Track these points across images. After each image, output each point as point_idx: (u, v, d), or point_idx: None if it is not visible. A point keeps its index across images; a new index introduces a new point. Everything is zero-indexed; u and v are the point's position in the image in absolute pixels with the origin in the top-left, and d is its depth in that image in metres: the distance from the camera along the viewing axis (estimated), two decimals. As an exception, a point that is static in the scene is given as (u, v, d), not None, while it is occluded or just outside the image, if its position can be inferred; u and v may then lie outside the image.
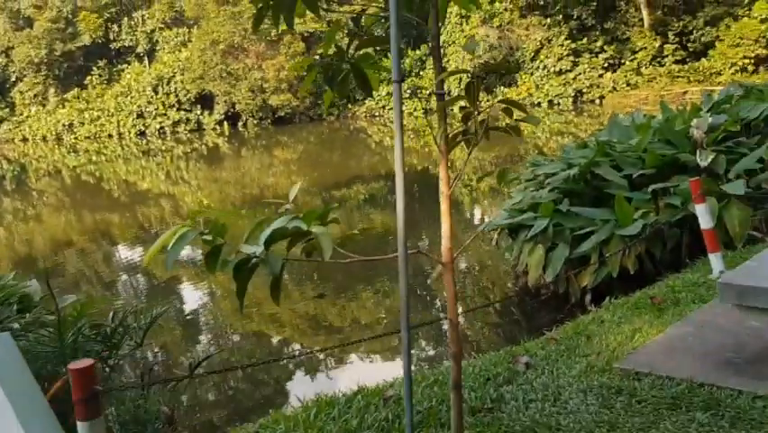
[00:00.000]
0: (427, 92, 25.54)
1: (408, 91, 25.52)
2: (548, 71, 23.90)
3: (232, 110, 26.76)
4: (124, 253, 8.85)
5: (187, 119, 27.56)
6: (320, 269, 6.81)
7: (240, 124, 27.04)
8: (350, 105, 26.80)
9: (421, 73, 26.15)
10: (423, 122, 22.90)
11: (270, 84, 25.28)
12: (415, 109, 25.34)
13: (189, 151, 21.30)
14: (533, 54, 24.20)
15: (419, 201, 10.37)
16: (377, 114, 26.13)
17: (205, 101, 27.35)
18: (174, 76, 27.47)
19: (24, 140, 29.91)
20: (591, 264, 4.65)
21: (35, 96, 29.37)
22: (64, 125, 28.66)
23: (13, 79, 29.75)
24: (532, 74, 24.22)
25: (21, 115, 30.17)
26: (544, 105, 23.43)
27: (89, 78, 29.16)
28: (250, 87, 25.55)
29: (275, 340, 5.31)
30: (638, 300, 3.74)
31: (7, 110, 30.32)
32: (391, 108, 25.68)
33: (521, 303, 5.34)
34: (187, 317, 6.07)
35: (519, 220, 5.19)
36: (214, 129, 27.02)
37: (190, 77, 26.49)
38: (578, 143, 6.31)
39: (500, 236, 5.84)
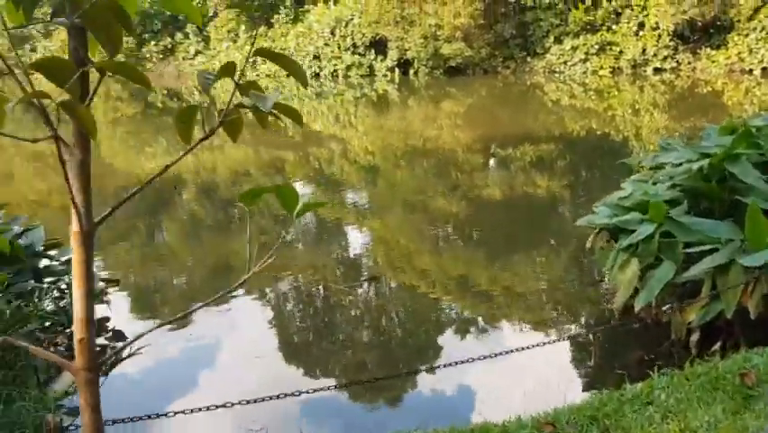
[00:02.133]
0: (618, 49, 23.98)
1: (596, 46, 24.16)
2: (767, 34, 21.15)
3: (404, 57, 27.38)
4: (298, 189, 9.83)
5: (360, 63, 28.75)
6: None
7: (411, 71, 27.65)
8: (528, 59, 26.07)
9: (614, 27, 24.52)
10: (608, 82, 21.66)
11: (444, 31, 25.33)
12: (601, 67, 23.98)
13: (359, 96, 22.36)
14: (751, 13, 21.49)
15: (596, 169, 10.11)
16: (557, 69, 25.13)
17: (379, 46, 28.26)
18: (352, 18, 28.65)
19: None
20: (702, 296, 3.69)
21: (228, 32, 32.48)
22: (248, 61, 31.44)
23: (211, 14, 33.12)
24: (746, 35, 21.60)
25: (214, 49, 33.65)
26: (757, 72, 20.89)
27: (276, 16, 31.49)
28: (423, 34, 25.86)
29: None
30: (722, 373, 2.76)
31: (202, 44, 33.99)
32: (574, 64, 24.55)
33: (607, 329, 4.41)
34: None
35: (620, 221, 4.25)
36: (385, 75, 27.94)
37: (367, 20, 27.47)
38: (724, 125, 5.20)
39: (597, 239, 4.79)
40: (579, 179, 9.43)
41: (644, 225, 4.08)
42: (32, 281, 4.30)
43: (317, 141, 14.19)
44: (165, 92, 26.91)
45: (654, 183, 4.63)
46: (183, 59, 34.61)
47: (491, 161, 11.17)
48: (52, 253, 4.90)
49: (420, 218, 7.85)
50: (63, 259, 4.87)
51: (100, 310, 4.81)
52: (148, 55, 34.72)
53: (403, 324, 5.11)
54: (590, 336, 4.37)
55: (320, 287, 5.87)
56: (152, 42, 35.10)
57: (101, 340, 4.72)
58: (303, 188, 9.83)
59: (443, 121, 15.95)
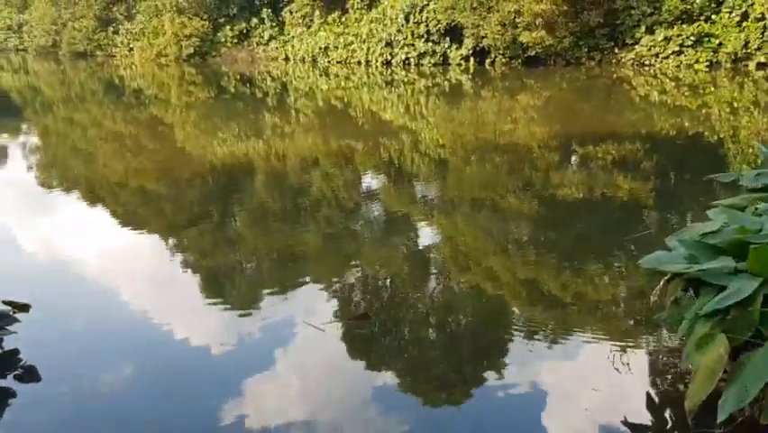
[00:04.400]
0: (717, 42, 22.97)
1: (692, 38, 23.23)
2: None
3: (479, 45, 27.18)
4: (366, 181, 10.08)
5: (434, 51, 28.77)
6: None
7: (487, 61, 27.43)
8: (616, 50, 25.35)
9: (713, 17, 23.49)
10: (704, 77, 20.81)
11: (524, 18, 24.94)
12: (696, 61, 23.06)
13: (431, 85, 22.42)
14: None
15: (686, 173, 9.84)
16: (647, 62, 24.32)
17: (454, 34, 28.19)
18: (427, 4, 28.69)
19: (287, 59, 34.21)
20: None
21: (303, 17, 33.23)
22: (320, 48, 32.10)
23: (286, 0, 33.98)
24: None
25: (287, 34, 34.51)
26: None
27: (351, 2, 31.95)
28: (501, 21, 25.55)
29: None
30: None
31: (276, 29, 34.92)
32: (666, 57, 23.69)
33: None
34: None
35: (702, 271, 3.10)
36: (459, 65, 27.86)
37: (442, 5, 27.44)
38: None
39: (667, 289, 3.66)
40: (665, 185, 9.22)
41: (739, 279, 2.97)
42: None
43: (387, 131, 14.41)
44: (238, 77, 27.82)
45: (758, 214, 3.52)
46: (257, 44, 35.66)
47: (568, 160, 11.05)
48: None
49: (489, 216, 7.92)
50: None
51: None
52: (223, 39, 35.96)
53: (467, 323, 5.23)
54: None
55: (387, 280, 6.07)
56: (227, 27, 36.31)
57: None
58: (371, 180, 10.07)
59: (518, 114, 15.84)
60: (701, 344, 2.97)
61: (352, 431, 3.73)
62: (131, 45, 39.80)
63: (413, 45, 29.24)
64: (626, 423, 3.64)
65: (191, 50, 35.28)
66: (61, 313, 5.48)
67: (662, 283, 3.70)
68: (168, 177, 10.70)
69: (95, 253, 7.04)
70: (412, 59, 29.19)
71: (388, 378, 4.30)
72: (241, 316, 5.34)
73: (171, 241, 7.41)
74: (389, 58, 29.86)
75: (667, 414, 3.75)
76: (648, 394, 3.92)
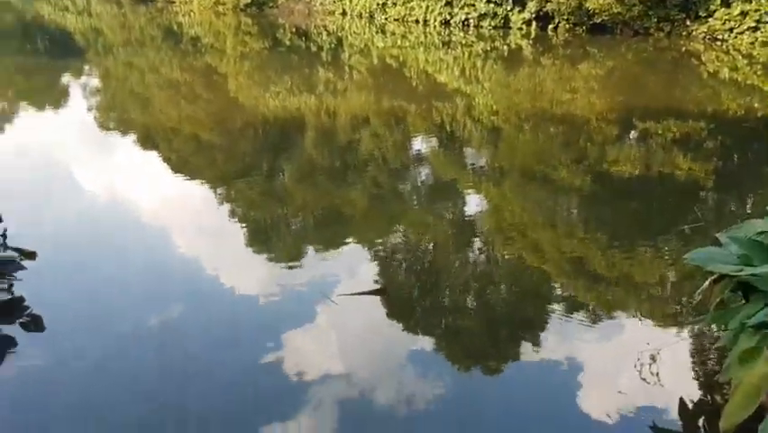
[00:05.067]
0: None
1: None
2: None
3: (543, 9, 26.32)
4: (416, 144, 10.03)
5: (495, 13, 28.00)
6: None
7: (550, 27, 26.57)
8: (687, 22, 24.21)
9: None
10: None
11: (593, -18, 23.94)
12: (774, 37, 21.84)
13: (489, 49, 21.93)
14: None
15: (751, 157, 9.46)
16: (720, 36, 23.17)
17: (518, -5, 27.33)
18: (494, -39, 27.82)
19: (343, 14, 33.90)
20: None
21: (362, -30, 32.71)
22: (378, 4, 31.63)
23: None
24: None
25: (345, -12, 34.08)
26: None
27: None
28: (568, -16, 24.60)
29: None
30: None
31: (332, -18, 34.46)
32: (741, 32, 22.51)
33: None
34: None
35: (754, 275, 2.86)
36: (520, 29, 27.08)
37: (509, -36, 26.57)
38: None
39: (714, 290, 3.39)
40: (727, 171, 8.89)
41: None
42: None
43: (441, 93, 14.23)
44: (293, 30, 27.76)
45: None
46: (316, -4, 35.30)
47: (627, 134, 10.73)
48: None
49: (538, 188, 7.81)
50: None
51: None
52: (280, -10, 35.77)
53: (507, 296, 5.23)
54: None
55: (429, 245, 6.09)
56: (285, -23, 35.96)
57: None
58: (421, 143, 10.01)
59: (578, 84, 15.39)
60: (746, 357, 2.75)
61: (384, 391, 3.80)
62: (191, -9, 40.02)
63: (473, 6, 28.50)
64: (654, 428, 3.52)
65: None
66: (93, 256, 5.63)
67: (707, 283, 3.43)
68: (220, 126, 10.87)
69: (143, 197, 7.25)
70: (471, 21, 28.50)
71: (425, 344, 4.36)
72: (282, 269, 5.46)
73: (219, 190, 7.56)
74: (448, 18, 29.23)
75: (700, 423, 3.64)
76: (682, 400, 3.75)
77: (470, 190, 7.75)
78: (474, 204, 7.36)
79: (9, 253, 4.54)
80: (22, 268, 4.58)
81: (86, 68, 17.87)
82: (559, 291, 5.23)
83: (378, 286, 5.09)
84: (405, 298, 5.04)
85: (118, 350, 4.15)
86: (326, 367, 4.02)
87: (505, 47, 22.66)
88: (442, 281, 5.33)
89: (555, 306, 4.91)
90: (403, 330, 4.54)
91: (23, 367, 3.94)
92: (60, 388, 3.77)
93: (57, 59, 18.76)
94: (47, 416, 3.52)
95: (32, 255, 4.67)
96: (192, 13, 36.02)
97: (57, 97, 13.45)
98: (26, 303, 4.52)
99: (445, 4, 29.54)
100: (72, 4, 42.27)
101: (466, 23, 28.74)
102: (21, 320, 4.34)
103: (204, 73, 16.84)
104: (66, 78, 15.88)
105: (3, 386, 3.78)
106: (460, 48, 22.32)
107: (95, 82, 15.65)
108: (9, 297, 4.48)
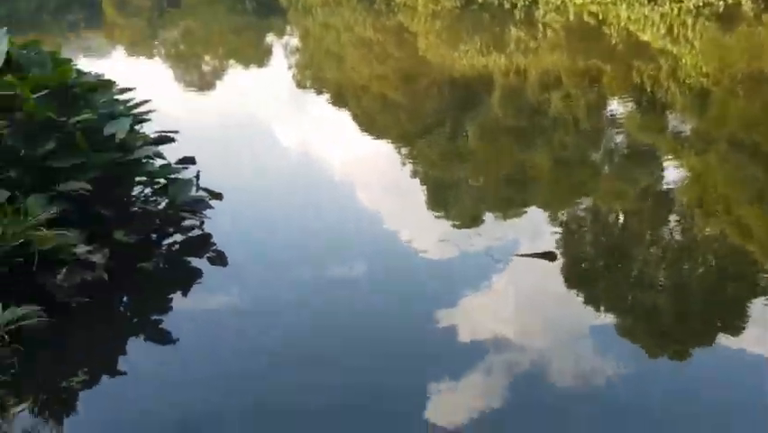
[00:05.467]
0: None
1: None
2: None
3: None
4: (613, 106, 9.45)
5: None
6: None
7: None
8: None
9: None
10: None
11: None
12: None
13: (701, 5, 19.72)
14: None
15: None
16: None
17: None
18: None
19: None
20: None
21: None
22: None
23: None
24: None
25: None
26: None
27: None
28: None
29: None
30: None
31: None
32: None
33: None
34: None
35: None
36: (744, -22, 23.95)
37: None
38: None
39: None
40: None
41: None
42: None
43: (643, 53, 13.18)
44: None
45: None
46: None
47: None
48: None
49: (749, 160, 7.00)
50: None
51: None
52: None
53: (704, 275, 4.83)
54: None
55: (619, 216, 5.80)
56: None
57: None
58: (618, 106, 9.40)
59: (809, 43, 13.38)
60: None
61: (557, 363, 3.69)
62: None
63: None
64: None
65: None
66: (277, 203, 6.05)
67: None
68: (406, 85, 11.10)
69: (330, 153, 7.65)
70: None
71: (605, 318, 4.18)
72: (459, 229, 5.48)
73: (403, 148, 7.77)
74: (657, -32, 26.69)
75: None
76: None
77: (669, 159, 7.17)
78: (673, 174, 6.80)
79: (200, 193, 5.08)
80: (210, 207, 5.10)
81: (288, 28, 19.13)
82: (766, 276, 4.72)
83: (548, 250, 4.95)
84: (587, 268, 4.87)
85: (294, 294, 4.40)
86: (496, 332, 3.95)
87: (720, 3, 20.25)
88: (629, 254, 5.05)
89: (760, 291, 4.43)
90: (583, 302, 4.37)
91: (208, 297, 4.41)
92: (238, 321, 4.11)
93: (262, 19, 20.30)
94: (218, 338, 3.92)
95: (219, 196, 5.15)
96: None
97: (261, 56, 14.64)
98: (213, 240, 5.07)
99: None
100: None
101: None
102: (208, 255, 4.88)
103: (395, 32, 17.22)
104: (269, 38, 17.17)
105: (190, 310, 4.25)
106: (668, 4, 20.36)
107: (294, 41, 16.74)
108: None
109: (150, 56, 15.27)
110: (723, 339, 3.92)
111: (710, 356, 3.82)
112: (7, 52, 4.52)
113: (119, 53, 15.59)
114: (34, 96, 4.14)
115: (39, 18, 20.30)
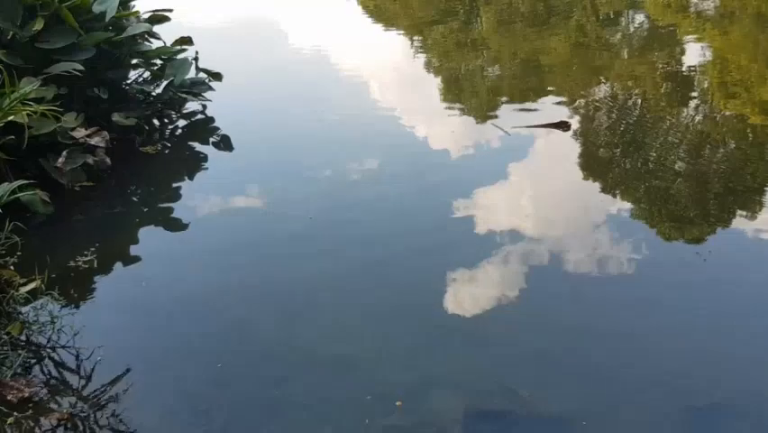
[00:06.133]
0: None
1: None
2: None
3: None
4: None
5: None
6: None
7: None
8: None
9: None
10: None
11: None
12: None
13: None
14: None
15: None
16: None
17: None
18: None
19: None
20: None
21: None
22: None
23: None
24: None
25: None
26: None
27: None
28: None
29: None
30: None
31: None
32: None
33: None
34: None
35: None
36: None
37: None
38: None
39: None
40: None
41: None
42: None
43: None
44: None
45: None
46: None
47: None
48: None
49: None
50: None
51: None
52: None
53: (723, 157, 4.69)
54: None
55: (637, 98, 5.59)
56: None
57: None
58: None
59: None
60: None
61: (580, 251, 3.55)
62: None
63: None
64: None
65: None
66: (285, 92, 5.86)
67: None
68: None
69: (340, 43, 7.36)
70: None
71: (622, 203, 4.07)
72: (476, 122, 5.31)
73: (415, 38, 7.47)
74: None
75: None
76: None
77: (690, 39, 6.85)
78: (694, 54, 6.51)
79: (200, 75, 4.97)
80: (211, 89, 4.99)
81: None
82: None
83: (562, 120, 4.84)
84: (604, 153, 4.73)
85: (298, 178, 4.31)
86: (515, 222, 3.81)
87: None
88: (649, 138, 4.89)
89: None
90: (601, 191, 4.23)
91: (215, 182, 4.35)
92: (244, 207, 4.09)
93: None
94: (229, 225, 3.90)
95: (218, 77, 5.03)
96: None
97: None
98: (216, 124, 4.99)
99: None
100: None
101: None
102: (212, 139, 4.82)
103: None
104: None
105: (196, 194, 4.22)
106: None
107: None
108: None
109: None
110: (741, 223, 3.81)
111: (728, 240, 3.71)
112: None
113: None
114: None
115: None
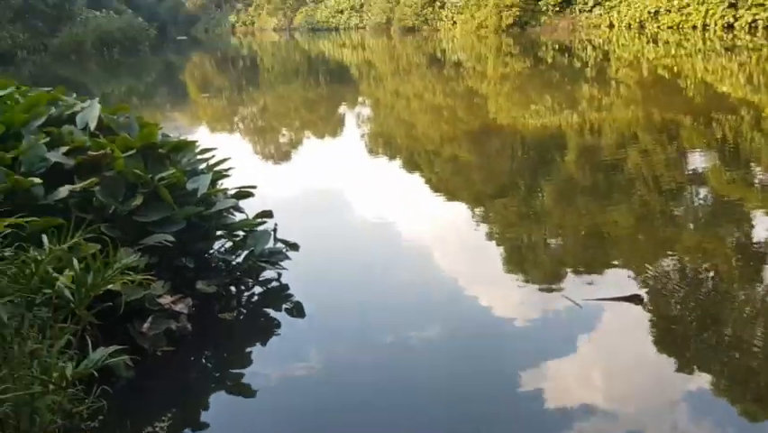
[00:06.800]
0: None
1: None
2: None
3: None
4: (692, 161, 9.22)
5: (793, 12, 24.56)
6: None
7: None
8: None
9: None
10: None
11: None
12: None
13: (784, 52, 19.25)
14: None
15: None
16: None
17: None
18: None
19: (611, 26, 32.66)
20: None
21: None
22: (650, 13, 29.84)
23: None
24: None
25: (612, 0, 32.81)
26: None
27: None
28: None
29: None
30: None
31: (602, -6, 33.40)
32: None
33: None
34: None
35: None
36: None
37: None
38: None
39: None
40: None
41: None
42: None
43: (722, 105, 12.89)
44: (555, 46, 27.50)
45: None
46: (580, 11, 34.72)
47: None
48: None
49: None
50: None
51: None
52: (544, 8, 35.82)
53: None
54: None
55: (709, 273, 5.55)
56: (550, -5, 35.94)
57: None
58: (694, 159, 9.17)
59: None
60: None
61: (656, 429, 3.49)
62: (454, 19, 42.18)
63: (763, 5, 25.33)
64: None
65: (510, 20, 35.89)
66: (353, 261, 6.12)
67: None
68: (478, 147, 11.23)
69: (404, 215, 7.71)
70: (761, 22, 25.36)
71: (700, 380, 3.94)
72: (540, 291, 5.36)
73: (477, 210, 7.77)
74: (732, 21, 26.40)
75: None
76: None
77: (758, 212, 6.88)
78: (764, 227, 6.51)
79: (278, 245, 5.28)
80: (288, 258, 5.28)
81: (360, 98, 19.85)
82: None
83: (634, 293, 4.81)
84: (678, 329, 4.65)
85: (371, 355, 4.40)
86: (584, 397, 3.80)
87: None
88: (723, 314, 4.80)
89: None
90: (678, 369, 4.12)
91: (286, 349, 4.48)
92: (314, 374, 4.17)
93: (335, 91, 21.17)
94: (296, 392, 3.97)
95: (295, 247, 5.33)
96: (455, 39, 37.84)
97: (334, 126, 15.19)
98: (290, 291, 5.20)
99: (729, 6, 26.78)
100: (348, 40, 47.36)
101: (754, 24, 25.66)
102: (285, 306, 5.00)
103: (464, 96, 17.57)
104: (342, 108, 17.83)
105: (269, 363, 4.33)
106: (746, 53, 19.97)
107: (366, 111, 17.31)
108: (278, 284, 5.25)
109: (231, 130, 16.07)
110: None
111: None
112: (99, 117, 4.96)
113: (203, 127, 16.48)
114: (123, 155, 4.49)
115: (128, 101, 21.94)
